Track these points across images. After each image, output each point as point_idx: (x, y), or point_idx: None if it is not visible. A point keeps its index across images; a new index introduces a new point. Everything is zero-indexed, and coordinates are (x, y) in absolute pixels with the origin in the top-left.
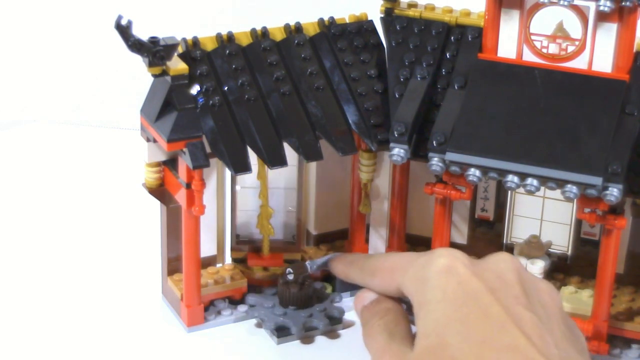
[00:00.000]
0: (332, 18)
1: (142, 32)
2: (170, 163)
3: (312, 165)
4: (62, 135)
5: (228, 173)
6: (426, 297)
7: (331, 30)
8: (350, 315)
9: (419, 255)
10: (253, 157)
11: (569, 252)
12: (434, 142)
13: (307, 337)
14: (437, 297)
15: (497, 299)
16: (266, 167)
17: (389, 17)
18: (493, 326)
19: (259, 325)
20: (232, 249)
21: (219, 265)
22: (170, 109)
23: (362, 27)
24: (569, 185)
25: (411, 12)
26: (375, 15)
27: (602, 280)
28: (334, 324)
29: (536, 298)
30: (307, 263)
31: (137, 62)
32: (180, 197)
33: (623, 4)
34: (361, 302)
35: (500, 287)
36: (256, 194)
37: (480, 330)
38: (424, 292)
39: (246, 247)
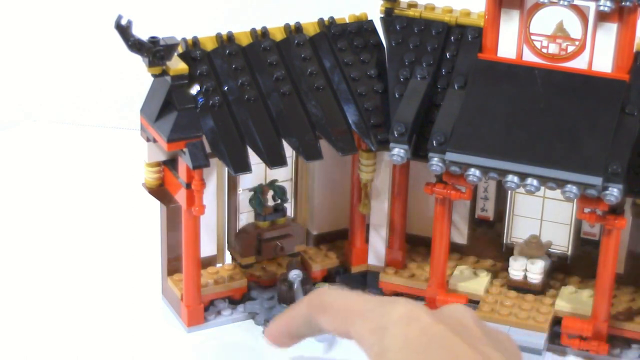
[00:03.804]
0: (332, 18)
1: (142, 32)
2: (170, 163)
3: (312, 165)
4: (62, 135)
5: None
6: (385, 346)
7: (331, 30)
8: None
9: (376, 302)
10: (254, 157)
11: (569, 252)
12: (434, 142)
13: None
14: (398, 344)
15: (463, 340)
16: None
17: (389, 17)
18: None
19: (259, 325)
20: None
21: (219, 265)
22: (170, 109)
23: (362, 27)
24: (569, 185)
25: (411, 12)
26: (375, 15)
27: (602, 280)
28: None
29: (497, 342)
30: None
31: (137, 62)
32: (180, 197)
33: (623, 4)
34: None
35: (463, 331)
36: None
37: None
38: (383, 342)
39: None
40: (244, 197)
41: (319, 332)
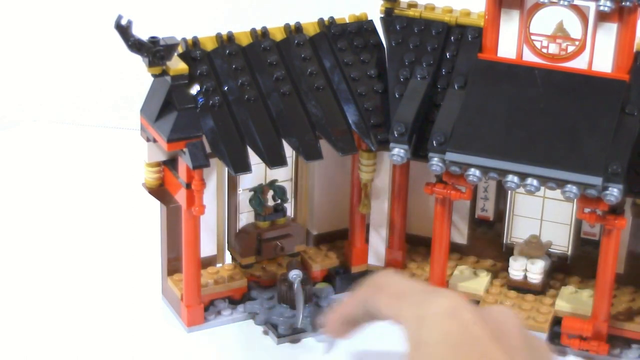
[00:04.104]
0: (332, 18)
1: (142, 32)
2: (170, 163)
3: (312, 165)
4: (62, 135)
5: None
6: (423, 337)
7: (331, 30)
8: None
9: (422, 289)
10: (254, 157)
11: (569, 252)
12: (434, 142)
13: (307, 337)
14: (436, 338)
15: (499, 347)
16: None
17: (389, 17)
18: None
19: (259, 325)
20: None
21: (219, 265)
22: (170, 109)
23: (362, 27)
24: (569, 185)
25: (411, 12)
26: (375, 15)
27: (602, 280)
28: None
29: (536, 354)
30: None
31: (137, 62)
32: (180, 197)
33: (623, 4)
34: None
35: (502, 337)
36: None
37: None
38: (421, 331)
39: None
40: (244, 197)
41: (374, 317)
